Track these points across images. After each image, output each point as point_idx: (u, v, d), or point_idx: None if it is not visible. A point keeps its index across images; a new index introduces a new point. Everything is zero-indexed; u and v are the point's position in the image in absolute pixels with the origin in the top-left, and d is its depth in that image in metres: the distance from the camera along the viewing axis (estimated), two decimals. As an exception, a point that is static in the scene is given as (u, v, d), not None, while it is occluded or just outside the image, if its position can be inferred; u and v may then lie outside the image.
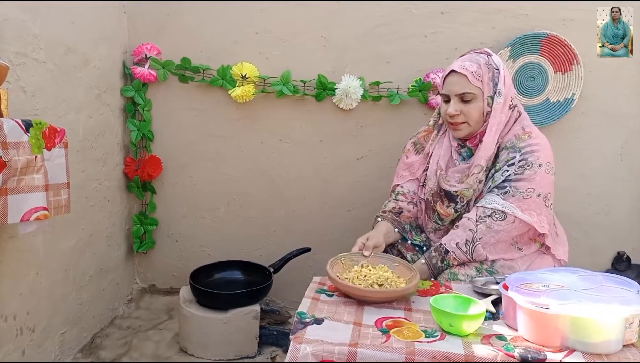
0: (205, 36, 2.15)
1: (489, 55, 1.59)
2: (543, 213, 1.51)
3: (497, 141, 1.58)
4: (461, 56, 1.63)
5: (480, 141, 1.59)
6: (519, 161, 1.51)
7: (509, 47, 2.02)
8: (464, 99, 1.56)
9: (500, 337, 1.12)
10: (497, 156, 1.58)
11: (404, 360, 1.03)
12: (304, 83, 2.11)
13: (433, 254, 1.55)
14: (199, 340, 1.84)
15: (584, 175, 2.15)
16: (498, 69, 1.57)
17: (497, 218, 1.48)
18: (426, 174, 1.74)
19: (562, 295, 1.09)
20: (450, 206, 1.65)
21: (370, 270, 1.42)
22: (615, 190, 2.15)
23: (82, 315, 1.88)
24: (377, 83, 2.09)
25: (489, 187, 1.55)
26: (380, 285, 1.33)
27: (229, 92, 2.11)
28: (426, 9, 2.07)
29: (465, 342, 1.09)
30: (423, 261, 1.55)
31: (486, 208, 1.50)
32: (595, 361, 1.01)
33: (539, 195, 1.50)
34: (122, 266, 2.21)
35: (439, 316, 1.13)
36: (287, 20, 2.12)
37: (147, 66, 2.12)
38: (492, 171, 1.57)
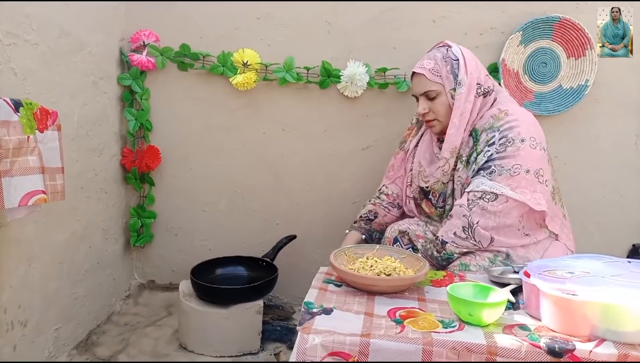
0: (205, 22, 2.07)
1: (448, 47, 1.59)
2: (538, 190, 1.46)
3: (468, 130, 1.56)
4: (428, 52, 1.63)
5: None
6: (500, 139, 1.48)
7: (520, 32, 1.95)
8: (428, 97, 1.59)
9: (523, 327, 1.04)
10: (476, 140, 1.54)
11: (421, 351, 0.96)
12: (308, 70, 2.04)
13: (428, 246, 1.53)
14: (199, 336, 1.76)
15: (598, 165, 2.08)
16: (457, 60, 1.55)
17: (488, 199, 1.43)
18: (412, 174, 1.74)
19: (589, 281, 1.02)
20: (429, 202, 1.68)
21: (376, 261, 1.35)
22: (630, 181, 2.08)
23: (78, 311, 1.80)
24: (384, 70, 2.02)
25: (473, 170, 1.51)
26: (388, 275, 1.26)
27: (230, 79, 2.04)
28: (434, -8, 2.01)
29: (486, 332, 1.02)
30: (420, 255, 1.49)
31: (475, 191, 1.45)
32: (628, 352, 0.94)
33: (527, 171, 1.45)
34: (120, 261, 2.14)
35: (457, 305, 1.06)
36: (289, 5, 2.04)
37: (144, 53, 2.05)
38: (474, 154, 1.53)
